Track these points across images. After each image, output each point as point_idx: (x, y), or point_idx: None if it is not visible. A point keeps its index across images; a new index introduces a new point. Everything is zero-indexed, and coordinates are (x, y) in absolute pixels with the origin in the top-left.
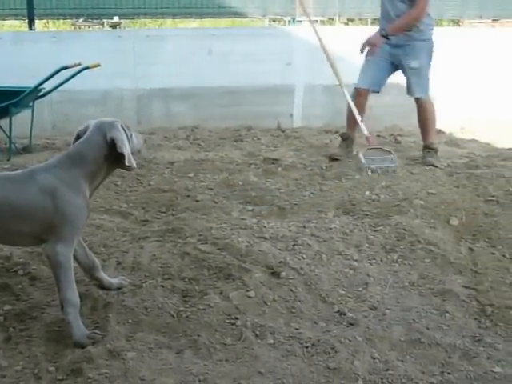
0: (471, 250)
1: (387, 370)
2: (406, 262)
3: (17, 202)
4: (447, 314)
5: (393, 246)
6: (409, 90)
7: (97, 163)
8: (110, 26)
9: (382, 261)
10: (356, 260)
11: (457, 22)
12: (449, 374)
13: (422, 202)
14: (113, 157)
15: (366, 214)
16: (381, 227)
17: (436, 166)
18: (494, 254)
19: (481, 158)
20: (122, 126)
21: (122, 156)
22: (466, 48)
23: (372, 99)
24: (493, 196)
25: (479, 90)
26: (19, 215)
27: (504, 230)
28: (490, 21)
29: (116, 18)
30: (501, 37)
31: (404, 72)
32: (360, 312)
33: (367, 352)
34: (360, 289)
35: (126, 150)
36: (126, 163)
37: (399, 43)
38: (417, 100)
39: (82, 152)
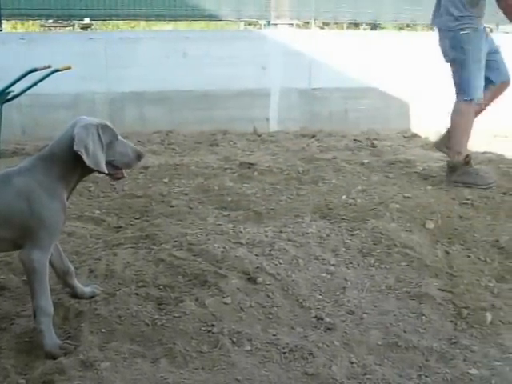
0: (447, 252)
1: (365, 374)
2: (382, 265)
3: None
4: (424, 317)
5: (369, 250)
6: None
7: (68, 164)
8: (81, 28)
9: (358, 265)
10: (333, 264)
11: (431, 27)
12: (426, 376)
13: (398, 206)
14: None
15: (343, 218)
16: (357, 231)
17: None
18: (469, 256)
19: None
20: (97, 128)
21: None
22: (440, 53)
23: (348, 103)
24: (468, 199)
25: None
26: None
27: (479, 232)
28: None
29: (87, 20)
30: None
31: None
32: (337, 317)
33: (345, 357)
34: (337, 293)
35: (87, 149)
36: (87, 163)
37: None
38: None
39: (54, 152)
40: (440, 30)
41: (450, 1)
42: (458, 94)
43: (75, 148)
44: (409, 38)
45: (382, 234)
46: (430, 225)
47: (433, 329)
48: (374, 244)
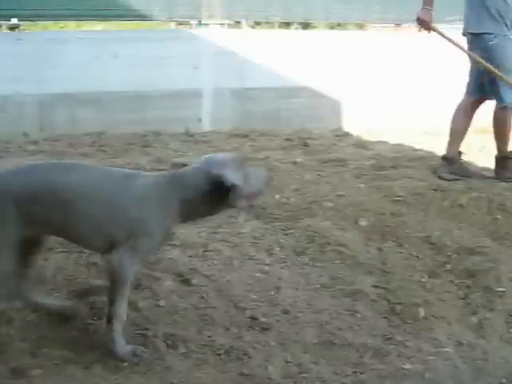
0: (380, 249)
1: (300, 373)
2: (316, 264)
3: (111, 199)
4: (358, 314)
5: (303, 249)
6: None
7: (196, 195)
8: (9, 29)
9: (293, 264)
10: (267, 264)
11: (361, 26)
12: (361, 373)
13: (331, 204)
14: (215, 195)
15: (277, 218)
16: (291, 230)
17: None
18: (401, 252)
19: (387, 159)
20: (235, 161)
21: (227, 194)
22: (371, 51)
23: (280, 103)
24: (399, 196)
25: (385, 92)
26: (107, 214)
27: (411, 229)
28: (393, 25)
29: (14, 20)
30: (403, 41)
31: None
32: (272, 316)
33: (280, 356)
34: (272, 293)
35: (239, 187)
36: (235, 202)
37: None
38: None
39: (184, 178)
40: None
41: None
42: None
43: (230, 183)
44: (340, 37)
45: (315, 232)
46: (363, 222)
47: (367, 325)
48: (308, 243)
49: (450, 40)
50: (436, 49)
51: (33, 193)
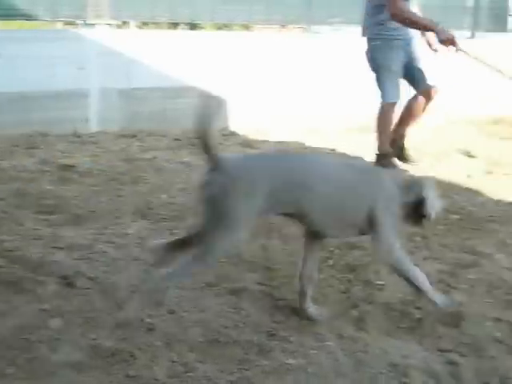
0: (264, 247)
1: (186, 372)
2: None
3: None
4: (243, 312)
5: None
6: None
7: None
8: None
9: None
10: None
11: (247, 27)
12: (246, 370)
13: None
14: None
15: (163, 218)
16: (177, 230)
17: None
18: (285, 249)
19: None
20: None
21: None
22: (257, 52)
23: (168, 103)
24: None
25: (271, 91)
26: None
27: (293, 225)
28: (278, 26)
29: None
30: (288, 41)
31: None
32: (158, 317)
33: (166, 356)
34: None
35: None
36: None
37: None
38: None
39: (407, 188)
40: None
41: None
42: None
43: (427, 212)
44: (226, 37)
45: None
46: None
47: (252, 322)
48: None
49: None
50: (319, 50)
51: (289, 177)
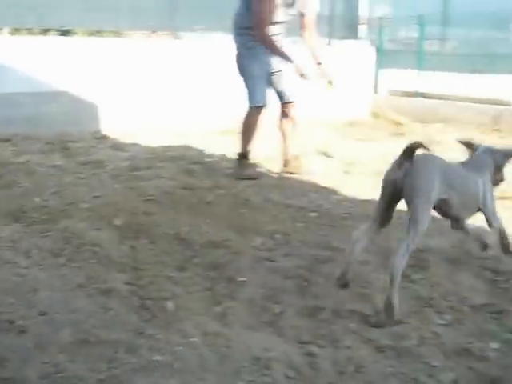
0: (133, 247)
1: (57, 373)
2: (73, 264)
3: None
4: (112, 312)
5: (60, 250)
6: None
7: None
8: None
9: (50, 266)
10: (25, 267)
11: (119, 34)
12: (115, 368)
13: (87, 206)
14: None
15: (35, 221)
16: (49, 233)
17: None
18: (153, 249)
19: (142, 161)
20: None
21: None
22: (126, 57)
23: (41, 107)
24: (152, 195)
25: (141, 96)
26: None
27: (162, 226)
28: (147, 32)
29: None
30: (155, 47)
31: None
32: (30, 319)
33: (38, 358)
34: (29, 295)
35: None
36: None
37: None
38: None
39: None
40: None
41: None
42: None
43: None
44: (97, 43)
45: (72, 233)
46: (118, 222)
47: (120, 322)
48: (65, 244)
49: None
50: (185, 56)
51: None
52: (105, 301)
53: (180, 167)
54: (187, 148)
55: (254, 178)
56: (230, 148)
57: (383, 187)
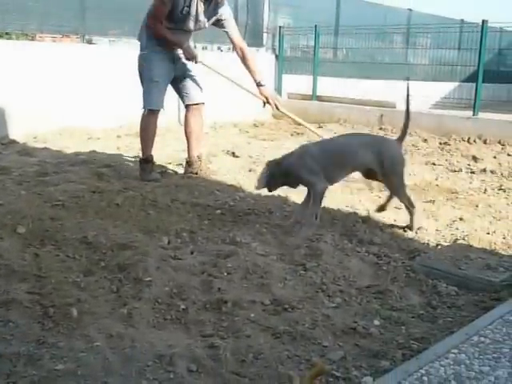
0: (36, 255)
1: None
2: None
3: None
4: (11, 324)
5: None
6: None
7: None
8: None
9: None
10: None
11: (25, 36)
12: (14, 383)
13: None
14: None
15: None
16: None
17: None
18: (58, 255)
19: (51, 165)
20: None
21: None
22: (36, 61)
23: None
24: (59, 200)
25: (51, 99)
26: None
27: (69, 231)
28: (56, 35)
29: None
30: (64, 50)
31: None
32: None
33: None
34: None
35: None
36: None
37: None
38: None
39: None
40: None
41: None
42: None
43: None
44: (4, 45)
45: None
46: (22, 229)
47: (20, 333)
48: None
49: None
50: (95, 60)
51: None
52: (4, 313)
53: (90, 171)
54: (98, 151)
55: (158, 181)
56: (135, 150)
57: None
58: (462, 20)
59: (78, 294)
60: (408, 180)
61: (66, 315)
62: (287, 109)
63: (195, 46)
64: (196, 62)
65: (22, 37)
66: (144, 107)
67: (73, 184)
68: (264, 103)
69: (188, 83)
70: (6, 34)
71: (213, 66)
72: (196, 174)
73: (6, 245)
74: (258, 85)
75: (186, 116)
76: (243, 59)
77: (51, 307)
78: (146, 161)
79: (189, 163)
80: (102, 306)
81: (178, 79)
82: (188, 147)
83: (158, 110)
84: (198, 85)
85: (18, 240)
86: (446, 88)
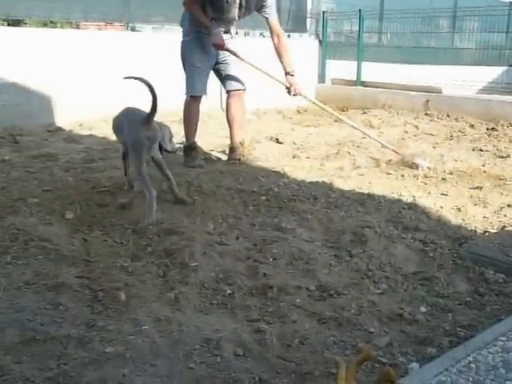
0: (85, 240)
1: (2, 375)
2: (19, 262)
3: None
4: (61, 307)
5: (6, 248)
6: None
7: None
8: None
9: None
10: None
11: (70, 24)
12: (64, 364)
13: (37, 200)
14: None
15: None
16: None
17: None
18: (106, 240)
19: (96, 152)
20: None
21: None
22: (81, 48)
23: None
24: (105, 186)
25: (95, 87)
26: None
27: (116, 217)
28: (100, 23)
29: None
30: (109, 38)
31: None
32: None
33: None
34: None
35: None
36: None
37: None
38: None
39: None
40: None
41: None
42: None
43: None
44: (49, 34)
45: (19, 229)
46: (70, 215)
47: (70, 316)
48: (11, 241)
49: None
50: (139, 48)
51: None
52: (54, 296)
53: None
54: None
55: (203, 167)
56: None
57: None
58: (511, 3)
59: (125, 279)
60: (454, 166)
61: (114, 299)
62: (331, 95)
63: (237, 32)
64: (222, 50)
65: (67, 25)
66: (187, 93)
67: (118, 170)
68: (287, 90)
69: (229, 69)
70: (51, 22)
71: (239, 53)
72: (239, 160)
73: (55, 230)
74: (287, 74)
75: (227, 102)
76: (278, 46)
77: (100, 291)
78: (190, 147)
79: (231, 149)
80: (150, 291)
81: (220, 65)
82: (230, 133)
83: (201, 96)
84: (238, 71)
85: (67, 225)
86: (493, 73)
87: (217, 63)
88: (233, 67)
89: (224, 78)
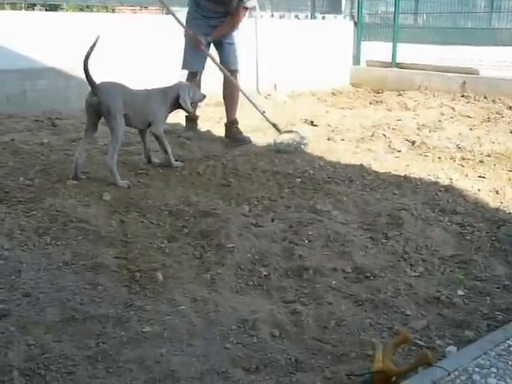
0: (122, 221)
1: (43, 354)
2: (59, 242)
3: None
4: (100, 287)
5: (45, 229)
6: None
7: None
8: None
9: (34, 245)
10: (7, 249)
11: (106, 8)
12: (103, 343)
13: (75, 182)
14: None
15: (20, 201)
16: (34, 212)
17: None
18: (143, 222)
19: (134, 135)
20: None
21: None
22: (117, 33)
23: (26, 85)
24: (143, 169)
25: (131, 71)
26: None
27: (152, 199)
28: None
29: None
30: (145, 22)
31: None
32: (12, 301)
33: (22, 341)
34: (12, 277)
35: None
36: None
37: None
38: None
39: None
40: None
41: None
42: None
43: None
44: (86, 18)
45: (58, 211)
46: (107, 197)
47: (109, 296)
48: (51, 222)
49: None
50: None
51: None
52: (93, 277)
53: (172, 140)
54: (178, 122)
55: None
56: (222, 119)
57: (86, 110)
58: None
59: (162, 260)
60: (492, 148)
61: (151, 279)
62: (366, 77)
63: (272, 15)
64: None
65: (103, 9)
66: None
67: (155, 153)
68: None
69: (224, 50)
70: (87, 7)
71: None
72: (227, 137)
73: (94, 211)
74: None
75: (225, 82)
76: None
77: (138, 272)
78: (191, 119)
79: (226, 126)
80: (186, 271)
81: (216, 46)
82: (226, 112)
83: (194, 72)
84: (233, 52)
85: (104, 207)
86: None
87: (214, 44)
88: (227, 48)
89: (220, 59)
